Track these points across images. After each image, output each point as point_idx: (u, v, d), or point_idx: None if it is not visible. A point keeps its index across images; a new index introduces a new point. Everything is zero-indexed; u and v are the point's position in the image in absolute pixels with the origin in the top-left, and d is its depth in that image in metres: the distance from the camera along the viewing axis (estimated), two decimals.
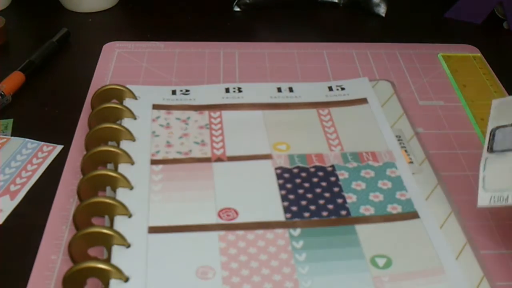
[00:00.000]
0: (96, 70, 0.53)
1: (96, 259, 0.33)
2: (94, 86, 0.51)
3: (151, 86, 0.49)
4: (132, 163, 0.40)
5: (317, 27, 0.65)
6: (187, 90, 0.49)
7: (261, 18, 0.66)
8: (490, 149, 0.37)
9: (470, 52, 0.59)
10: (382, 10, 0.67)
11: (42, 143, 0.44)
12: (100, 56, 0.56)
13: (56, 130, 0.46)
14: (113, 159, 0.40)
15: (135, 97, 0.46)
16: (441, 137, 0.47)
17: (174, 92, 0.49)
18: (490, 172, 0.36)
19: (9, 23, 0.59)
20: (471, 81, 0.55)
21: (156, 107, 0.46)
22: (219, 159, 0.42)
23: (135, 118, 0.44)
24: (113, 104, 0.44)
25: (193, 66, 0.55)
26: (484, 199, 0.36)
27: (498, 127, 0.38)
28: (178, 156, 0.42)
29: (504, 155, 0.36)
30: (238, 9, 0.67)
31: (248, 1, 0.66)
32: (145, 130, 0.43)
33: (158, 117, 0.45)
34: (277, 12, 0.67)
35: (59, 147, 0.44)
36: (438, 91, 0.53)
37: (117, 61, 0.55)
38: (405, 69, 0.56)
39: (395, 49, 0.59)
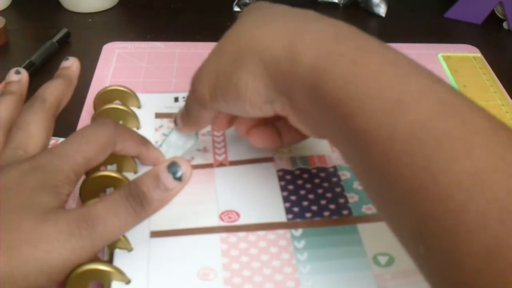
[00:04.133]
0: (96, 71, 0.53)
1: (98, 261, 0.33)
2: (94, 86, 0.51)
3: (154, 94, 0.49)
4: (135, 172, 0.40)
5: None
6: None
7: None
8: None
9: (470, 52, 0.59)
10: (382, 10, 0.67)
11: None
12: (100, 57, 0.56)
13: (56, 131, 0.46)
14: (117, 161, 0.40)
15: (138, 105, 0.46)
16: None
17: (176, 99, 0.48)
18: None
19: (9, 23, 0.59)
20: (471, 81, 0.55)
21: (158, 116, 0.46)
22: (221, 164, 0.42)
23: (138, 128, 0.44)
24: (118, 106, 0.44)
25: (193, 66, 0.54)
26: None
27: None
28: None
29: None
30: (238, 9, 0.67)
31: (248, 1, 0.66)
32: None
33: (161, 126, 0.45)
34: None
35: (62, 140, 0.44)
36: None
37: (117, 62, 0.55)
38: None
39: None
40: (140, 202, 0.31)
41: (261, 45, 0.31)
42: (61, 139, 0.44)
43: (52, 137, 0.44)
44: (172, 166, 0.32)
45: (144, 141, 0.39)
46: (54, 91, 0.38)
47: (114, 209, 0.31)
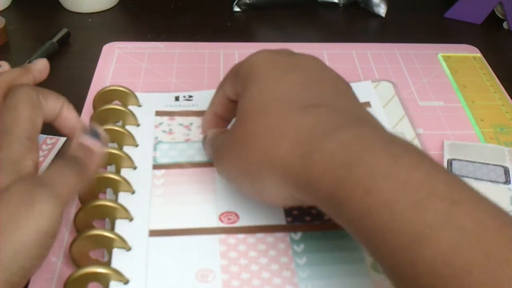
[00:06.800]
0: (96, 71, 0.53)
1: (96, 262, 0.33)
2: (94, 86, 0.51)
3: (154, 93, 0.49)
4: (134, 167, 0.40)
5: (317, 27, 0.65)
6: (190, 96, 0.49)
7: (261, 18, 0.66)
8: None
9: (470, 52, 0.59)
10: (382, 10, 0.67)
11: (45, 136, 0.45)
12: (100, 57, 0.56)
13: (57, 131, 0.46)
14: (115, 161, 0.40)
15: (138, 104, 0.46)
16: (441, 138, 0.47)
17: (177, 98, 0.48)
18: None
19: (9, 23, 0.59)
20: (471, 81, 0.55)
21: (159, 113, 0.46)
22: None
23: (138, 125, 0.44)
24: (117, 106, 0.44)
25: (193, 66, 0.55)
26: None
27: (453, 159, 0.44)
28: (180, 160, 0.42)
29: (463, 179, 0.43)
30: (238, 9, 0.67)
31: (248, 1, 0.66)
32: (148, 136, 0.43)
33: (161, 123, 0.45)
34: (277, 12, 0.67)
35: (63, 139, 0.44)
36: (438, 92, 0.53)
37: (117, 62, 0.55)
38: (405, 69, 0.56)
39: (395, 49, 0.59)
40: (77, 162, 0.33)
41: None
42: (62, 138, 0.44)
43: (52, 136, 0.44)
44: (86, 130, 0.35)
45: (62, 96, 0.38)
46: (5, 77, 0.37)
47: (60, 172, 0.31)
